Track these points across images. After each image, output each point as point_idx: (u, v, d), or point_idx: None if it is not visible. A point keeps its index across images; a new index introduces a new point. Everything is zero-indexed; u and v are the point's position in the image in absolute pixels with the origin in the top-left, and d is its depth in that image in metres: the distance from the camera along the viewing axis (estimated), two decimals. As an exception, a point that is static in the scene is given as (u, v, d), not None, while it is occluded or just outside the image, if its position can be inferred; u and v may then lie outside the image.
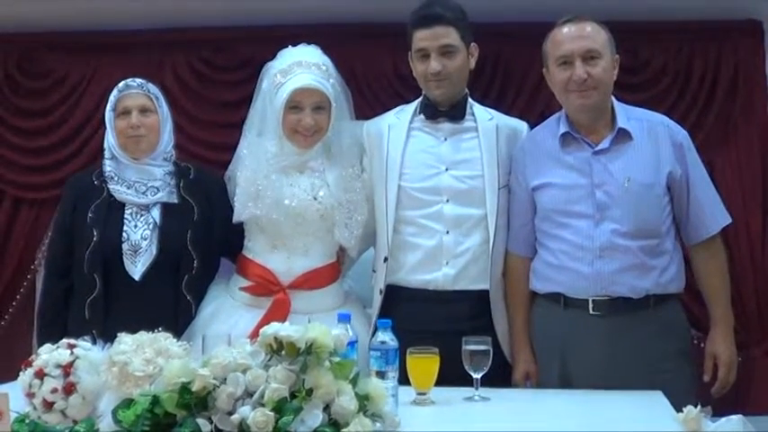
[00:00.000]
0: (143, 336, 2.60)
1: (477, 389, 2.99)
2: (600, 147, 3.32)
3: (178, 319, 3.38)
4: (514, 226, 3.48)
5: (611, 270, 3.25)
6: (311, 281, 3.50)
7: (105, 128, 3.65)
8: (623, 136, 3.31)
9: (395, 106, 3.68)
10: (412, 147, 3.51)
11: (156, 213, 3.56)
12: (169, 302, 3.50)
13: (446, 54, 3.40)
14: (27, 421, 2.52)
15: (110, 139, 3.61)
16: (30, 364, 2.63)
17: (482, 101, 3.57)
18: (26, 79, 5.01)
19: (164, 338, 2.61)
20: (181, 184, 3.62)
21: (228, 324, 3.32)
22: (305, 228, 3.49)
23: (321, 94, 3.46)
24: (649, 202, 3.27)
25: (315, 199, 3.47)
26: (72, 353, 2.63)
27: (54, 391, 2.55)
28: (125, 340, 2.57)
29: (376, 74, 4.77)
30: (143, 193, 3.56)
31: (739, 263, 4.64)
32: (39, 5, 4.69)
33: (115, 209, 3.54)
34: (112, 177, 3.56)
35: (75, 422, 2.51)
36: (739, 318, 4.65)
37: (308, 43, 3.60)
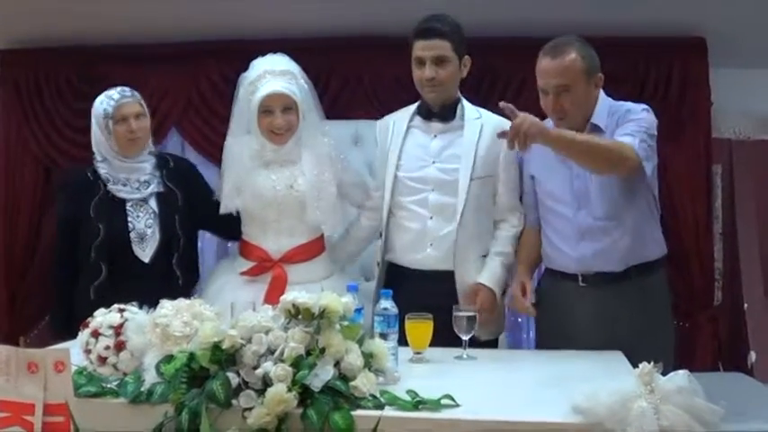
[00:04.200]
0: (181, 302, 2.62)
1: (465, 349, 2.98)
2: None
3: (171, 292, 3.34)
4: (526, 207, 3.47)
5: (592, 251, 3.22)
6: (299, 254, 3.53)
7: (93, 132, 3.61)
8: (595, 130, 3.24)
9: (395, 107, 3.67)
10: (409, 142, 3.49)
11: (153, 203, 3.59)
12: (165, 278, 3.53)
13: (439, 63, 3.36)
14: (84, 373, 2.56)
15: (103, 143, 3.57)
16: (87, 326, 2.66)
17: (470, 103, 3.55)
18: (84, 85, 4.98)
19: (198, 304, 2.62)
20: (164, 174, 3.63)
21: (233, 296, 3.27)
22: (287, 213, 3.51)
23: (287, 97, 3.46)
24: (616, 187, 3.20)
25: (292, 187, 3.49)
26: (122, 316, 2.65)
27: (107, 347, 2.58)
28: (166, 305, 2.60)
29: (379, 80, 4.75)
30: (137, 188, 3.58)
31: (687, 244, 4.64)
32: (95, 23, 4.70)
33: (116, 204, 3.55)
34: (108, 179, 3.57)
35: (125, 374, 2.54)
36: (686, 291, 4.67)
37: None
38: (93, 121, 3.61)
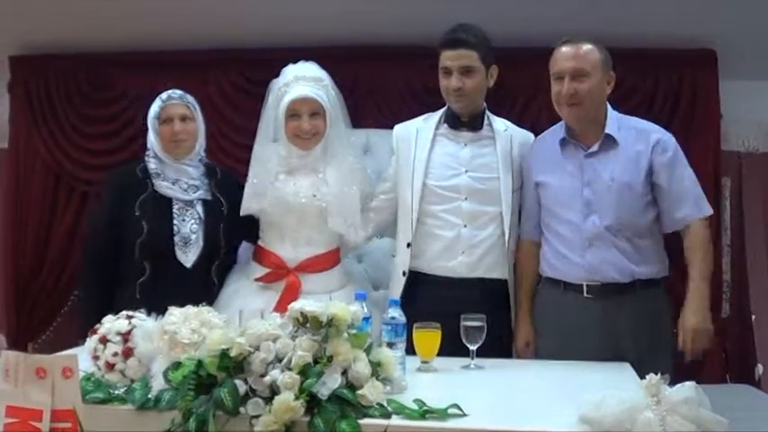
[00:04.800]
0: (189, 309, 2.63)
1: (472, 359, 2.98)
2: (591, 150, 3.30)
3: (208, 298, 3.31)
4: (526, 216, 3.48)
5: (599, 259, 3.22)
6: (314, 265, 3.51)
7: (148, 131, 3.63)
8: (610, 141, 3.28)
9: (406, 117, 3.67)
10: (437, 150, 3.49)
11: (199, 209, 3.57)
12: (203, 284, 3.52)
13: (466, 73, 3.38)
14: (92, 379, 2.56)
15: (153, 142, 3.60)
16: (95, 332, 2.67)
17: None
18: (94, 91, 5.00)
19: (207, 312, 2.63)
20: (212, 183, 3.63)
21: (245, 302, 3.31)
22: (307, 221, 3.50)
23: (315, 102, 3.46)
24: (629, 199, 3.24)
25: (315, 196, 3.48)
26: (130, 323, 2.65)
27: (115, 354, 2.59)
28: (174, 313, 2.60)
29: (389, 89, 4.76)
30: (185, 190, 3.57)
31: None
32: (105, 30, 4.73)
33: (163, 204, 3.53)
34: (158, 174, 3.56)
35: (133, 381, 2.54)
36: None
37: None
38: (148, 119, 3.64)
